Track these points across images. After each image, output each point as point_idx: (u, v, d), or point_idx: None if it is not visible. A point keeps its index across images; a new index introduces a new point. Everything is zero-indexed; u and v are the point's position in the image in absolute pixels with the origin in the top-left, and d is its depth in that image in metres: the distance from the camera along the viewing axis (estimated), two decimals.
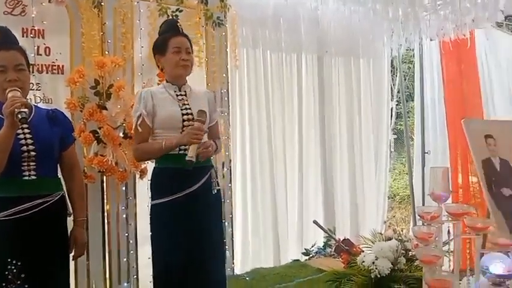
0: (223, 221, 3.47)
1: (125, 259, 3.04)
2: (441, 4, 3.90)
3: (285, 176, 4.10)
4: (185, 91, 2.24)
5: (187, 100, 2.21)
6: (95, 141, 2.82)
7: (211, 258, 2.15)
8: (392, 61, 5.09)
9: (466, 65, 4.47)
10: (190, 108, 2.18)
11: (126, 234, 3.05)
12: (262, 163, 3.93)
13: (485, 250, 1.82)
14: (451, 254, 2.00)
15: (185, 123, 2.14)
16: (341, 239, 3.64)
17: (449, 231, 1.87)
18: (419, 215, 1.85)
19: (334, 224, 4.29)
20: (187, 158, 2.01)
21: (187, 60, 2.19)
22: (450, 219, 1.85)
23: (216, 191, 2.21)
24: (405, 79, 7.03)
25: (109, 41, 3.03)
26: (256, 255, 3.86)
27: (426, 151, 4.54)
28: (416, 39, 4.44)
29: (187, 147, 2.07)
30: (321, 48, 4.33)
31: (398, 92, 5.27)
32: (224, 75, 3.61)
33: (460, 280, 2.06)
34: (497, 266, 1.66)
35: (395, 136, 6.69)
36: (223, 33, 3.58)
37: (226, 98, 3.61)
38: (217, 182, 2.23)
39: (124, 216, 3.05)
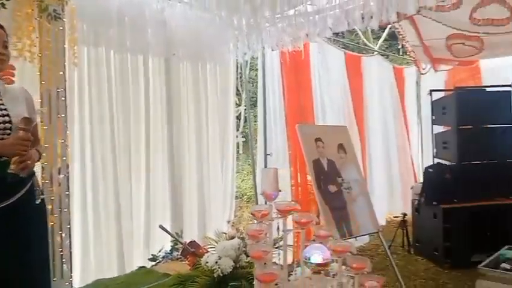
0: (60, 232, 3.24)
1: None
2: (280, 17, 4.23)
3: (130, 179, 3.93)
4: None
5: (1, 100, 1.95)
6: None
7: (35, 276, 1.94)
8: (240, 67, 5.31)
9: (302, 74, 4.93)
10: (6, 109, 1.92)
11: None
12: (105, 168, 3.69)
13: (308, 242, 2.00)
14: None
15: (1, 125, 1.89)
16: (187, 242, 3.66)
17: (278, 227, 2.01)
18: (251, 214, 1.95)
19: (182, 227, 4.27)
20: (10, 171, 1.81)
21: (4, 54, 1.95)
22: (279, 216, 2.00)
23: (39, 201, 1.99)
24: (252, 85, 7.41)
25: None
26: (98, 265, 3.62)
27: (268, 153, 4.87)
28: (259, 48, 4.73)
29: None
30: (168, 50, 4.27)
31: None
32: (61, 73, 3.32)
33: (291, 272, 2.25)
34: (316, 256, 1.85)
35: (244, 139, 7.04)
36: (61, 28, 3.31)
37: (63, 98, 3.33)
38: (41, 190, 2.03)
39: None
